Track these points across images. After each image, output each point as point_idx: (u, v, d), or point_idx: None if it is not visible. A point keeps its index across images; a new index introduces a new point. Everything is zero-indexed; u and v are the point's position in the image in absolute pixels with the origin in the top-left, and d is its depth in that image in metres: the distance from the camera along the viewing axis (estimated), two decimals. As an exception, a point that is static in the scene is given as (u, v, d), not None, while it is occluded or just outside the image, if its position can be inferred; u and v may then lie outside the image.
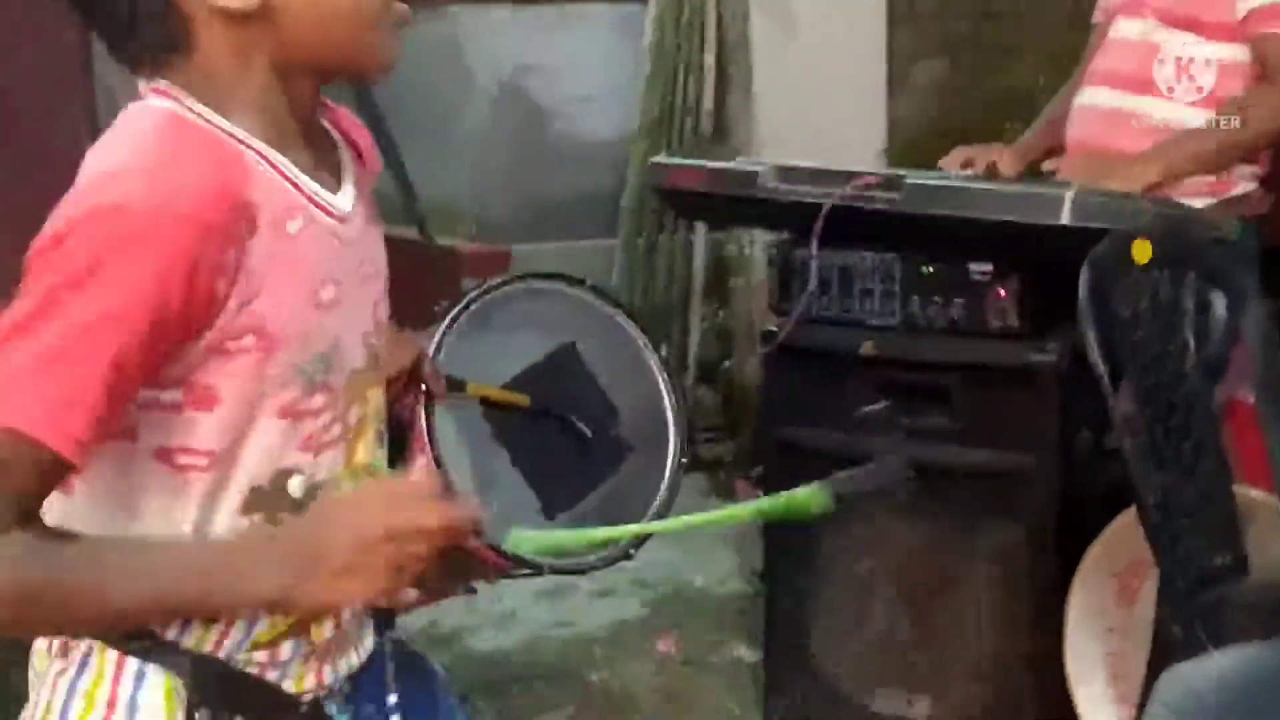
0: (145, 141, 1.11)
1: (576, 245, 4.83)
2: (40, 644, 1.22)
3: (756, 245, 4.10)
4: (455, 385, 2.23)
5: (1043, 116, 3.19)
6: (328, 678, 1.28)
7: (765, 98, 4.14)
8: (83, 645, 1.18)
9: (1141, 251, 2.20)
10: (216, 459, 1.15)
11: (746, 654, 3.30)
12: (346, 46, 1.19)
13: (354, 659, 1.31)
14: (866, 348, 2.66)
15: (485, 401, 2.38)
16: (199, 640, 1.19)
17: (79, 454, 1.05)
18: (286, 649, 1.24)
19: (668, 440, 2.59)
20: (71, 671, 1.19)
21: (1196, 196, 2.79)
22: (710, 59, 4.18)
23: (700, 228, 4.25)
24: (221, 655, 1.20)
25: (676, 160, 3.03)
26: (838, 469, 2.68)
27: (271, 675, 1.23)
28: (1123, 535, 2.48)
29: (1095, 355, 1.99)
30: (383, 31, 1.20)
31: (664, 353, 2.61)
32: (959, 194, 2.48)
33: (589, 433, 2.59)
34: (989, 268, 2.56)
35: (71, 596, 1.07)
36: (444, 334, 2.31)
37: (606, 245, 4.71)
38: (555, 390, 2.60)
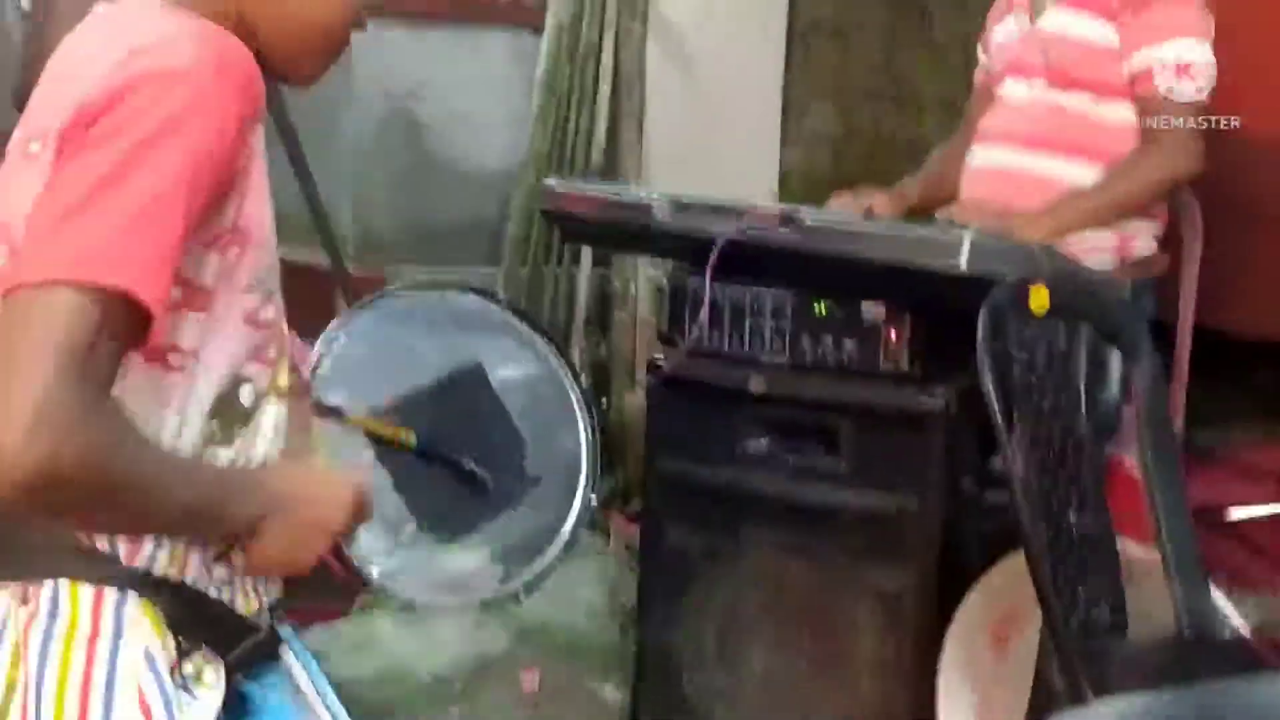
0: (171, 18, 1.12)
1: (458, 271, 4.76)
2: None
3: (641, 280, 4.07)
4: (331, 412, 2.14)
5: (924, 168, 3.22)
6: (265, 597, 1.32)
7: (658, 133, 4.12)
8: (46, 588, 1.17)
9: (1038, 299, 2.20)
10: (196, 360, 1.16)
11: (612, 693, 3.24)
12: (302, 39, 1.24)
13: (276, 583, 1.35)
14: (755, 384, 2.63)
15: (368, 434, 2.29)
16: (167, 560, 1.20)
17: (162, 315, 1.07)
18: (238, 559, 1.25)
19: (579, 472, 2.52)
20: (42, 615, 1.17)
21: (1099, 254, 2.82)
22: (605, 90, 4.14)
23: (585, 260, 4.21)
24: (190, 575, 1.22)
25: (570, 186, 2.99)
26: (721, 505, 2.71)
27: (226, 596, 1.25)
28: (997, 587, 2.48)
29: (991, 397, 1.98)
30: (330, 51, 1.27)
31: (583, 383, 2.55)
32: (855, 234, 2.47)
33: (486, 479, 2.50)
34: (882, 309, 2.55)
35: (144, 489, 1.09)
36: (333, 338, 2.23)
37: (489, 273, 4.65)
38: (458, 413, 2.51)
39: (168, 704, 1.17)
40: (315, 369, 2.25)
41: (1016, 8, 3.06)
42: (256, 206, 1.17)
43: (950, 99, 3.86)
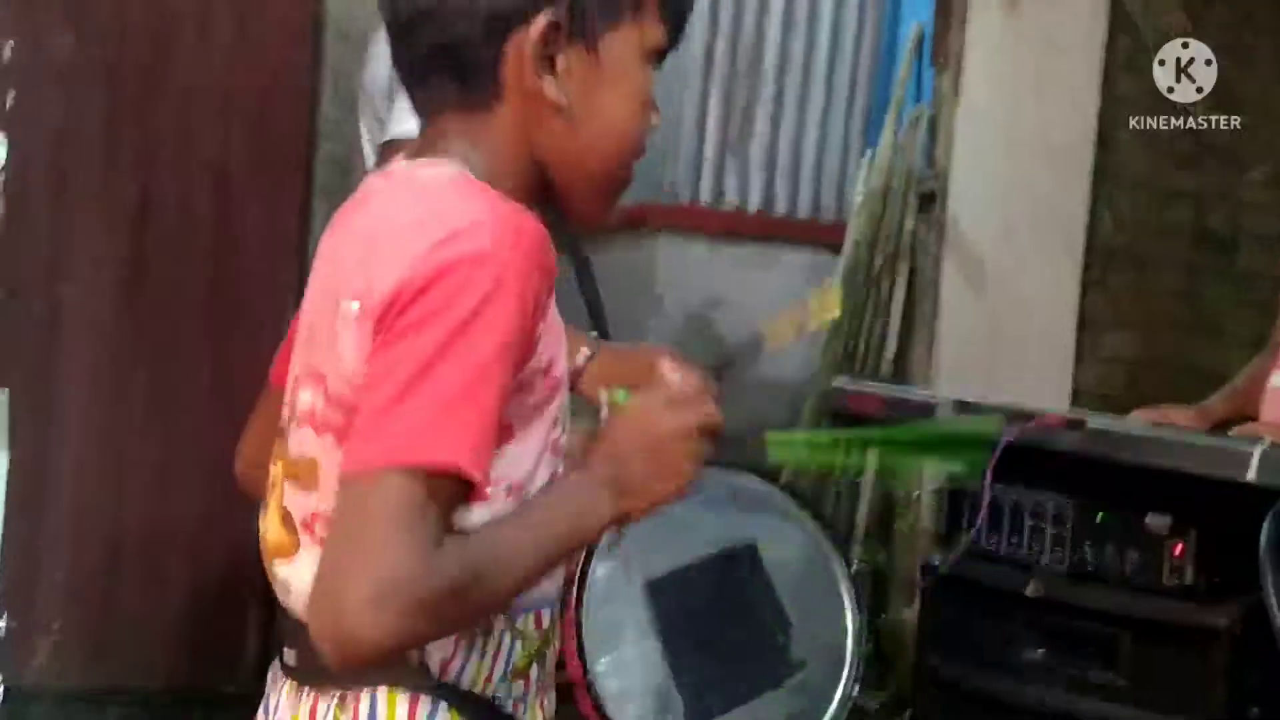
0: (467, 198, 1.20)
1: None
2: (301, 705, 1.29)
3: (925, 490, 4.05)
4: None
5: (1230, 385, 3.15)
6: (548, 710, 1.35)
7: (947, 348, 4.15)
8: (365, 695, 1.25)
9: (1328, 512, 2.13)
10: (519, 490, 1.23)
11: None
12: (593, 173, 1.30)
13: (553, 698, 1.37)
14: (1033, 589, 2.59)
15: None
16: (475, 674, 1.26)
17: (486, 480, 1.16)
18: (533, 674, 1.31)
19: (844, 661, 2.51)
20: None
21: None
22: (899, 300, 4.21)
23: (869, 470, 4.22)
24: (490, 692, 1.27)
25: (857, 385, 3.05)
26: (993, 713, 2.64)
27: (521, 712, 1.30)
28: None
29: (1274, 607, 1.91)
30: (615, 190, 1.33)
31: (854, 569, 2.56)
32: (1142, 441, 2.44)
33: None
34: (1167, 520, 2.49)
35: (503, 589, 1.18)
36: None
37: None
38: (730, 589, 2.55)
39: None
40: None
41: None
42: (556, 351, 1.25)
43: (1256, 332, 3.77)
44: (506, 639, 1.27)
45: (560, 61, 1.24)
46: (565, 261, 3.10)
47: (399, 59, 1.29)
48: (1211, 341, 4.37)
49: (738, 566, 2.54)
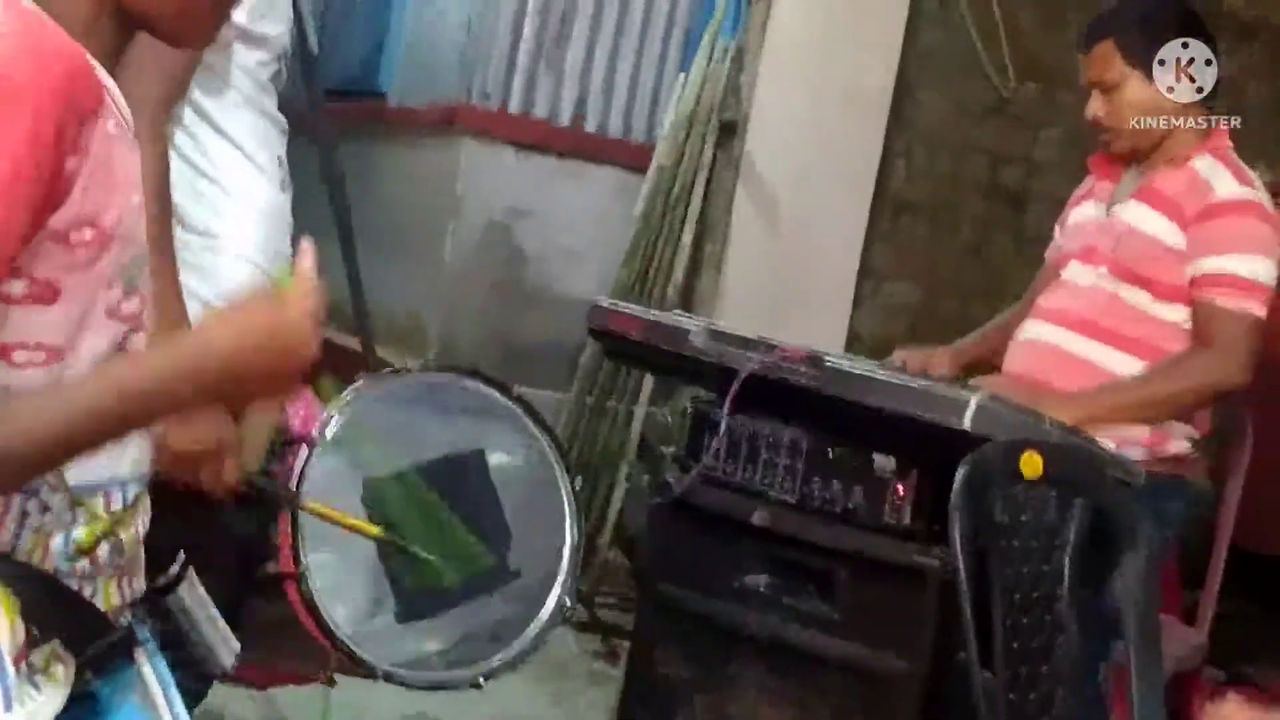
0: (6, 8, 1.11)
1: (529, 394, 4.82)
2: None
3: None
4: (286, 500, 2.18)
5: (982, 331, 3.24)
6: (127, 594, 1.28)
7: (734, 282, 4.18)
8: None
9: (1030, 465, 2.19)
10: (56, 356, 1.15)
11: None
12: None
13: (140, 583, 1.32)
14: (758, 518, 2.63)
15: (324, 518, 2.30)
16: (32, 546, 1.19)
17: None
18: (103, 554, 1.24)
19: (559, 573, 2.54)
20: None
21: (1133, 447, 2.79)
22: (689, 234, 4.23)
23: (644, 395, 4.27)
24: (50, 565, 1.19)
25: (616, 305, 3.05)
26: (711, 637, 2.69)
27: (88, 590, 1.23)
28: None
29: (957, 551, 1.96)
30: (205, 4, 1.24)
31: (578, 485, 2.59)
32: (872, 383, 2.48)
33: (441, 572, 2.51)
34: (892, 461, 2.54)
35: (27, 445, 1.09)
36: (346, 402, 2.29)
37: (557, 399, 4.71)
38: (451, 494, 2.56)
39: (6, 694, 1.14)
40: (324, 429, 2.32)
41: (1097, 195, 3.08)
42: (116, 202, 1.17)
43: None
44: (66, 514, 1.21)
45: None
46: (309, 150, 3.05)
47: None
48: (993, 296, 4.47)
49: (461, 472, 2.55)
